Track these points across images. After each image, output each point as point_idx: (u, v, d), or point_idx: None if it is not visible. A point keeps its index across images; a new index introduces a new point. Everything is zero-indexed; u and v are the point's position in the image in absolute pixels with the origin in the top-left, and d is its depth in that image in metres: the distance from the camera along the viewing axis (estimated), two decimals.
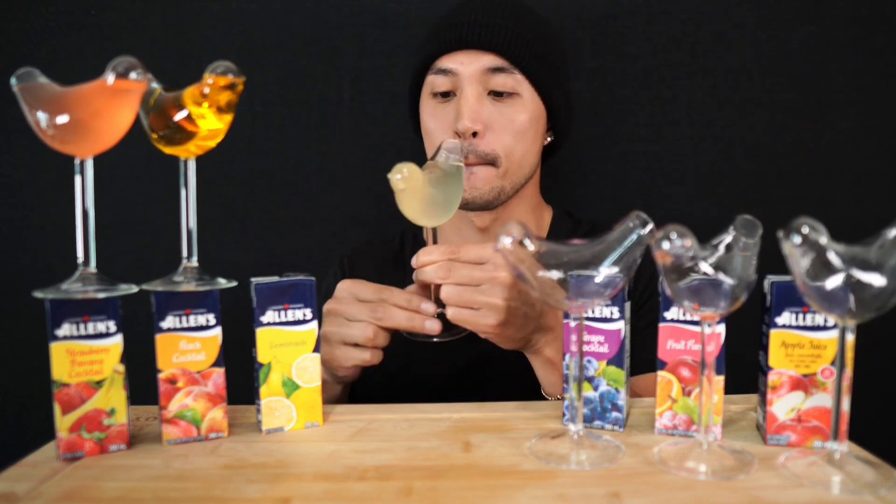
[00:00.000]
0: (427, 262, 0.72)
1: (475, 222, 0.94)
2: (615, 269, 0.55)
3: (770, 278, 0.61)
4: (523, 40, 0.87)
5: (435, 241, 0.78)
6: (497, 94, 0.87)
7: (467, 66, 0.86)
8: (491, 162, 0.87)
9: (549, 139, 0.96)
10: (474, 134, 0.86)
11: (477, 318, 0.71)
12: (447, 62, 0.88)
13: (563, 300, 0.56)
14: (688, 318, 0.62)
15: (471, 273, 0.71)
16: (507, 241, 0.54)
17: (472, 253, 0.72)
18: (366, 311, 0.74)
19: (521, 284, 0.67)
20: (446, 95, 0.89)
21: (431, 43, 0.89)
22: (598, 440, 0.61)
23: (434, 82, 0.89)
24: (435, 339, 0.75)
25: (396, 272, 0.97)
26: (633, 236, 0.55)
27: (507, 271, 0.70)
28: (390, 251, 1.03)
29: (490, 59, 0.86)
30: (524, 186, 0.93)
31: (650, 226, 0.55)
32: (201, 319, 0.62)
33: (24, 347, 1.18)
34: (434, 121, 0.90)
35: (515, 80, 0.87)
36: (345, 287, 0.76)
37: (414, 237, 1.03)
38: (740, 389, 0.72)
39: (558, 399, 0.78)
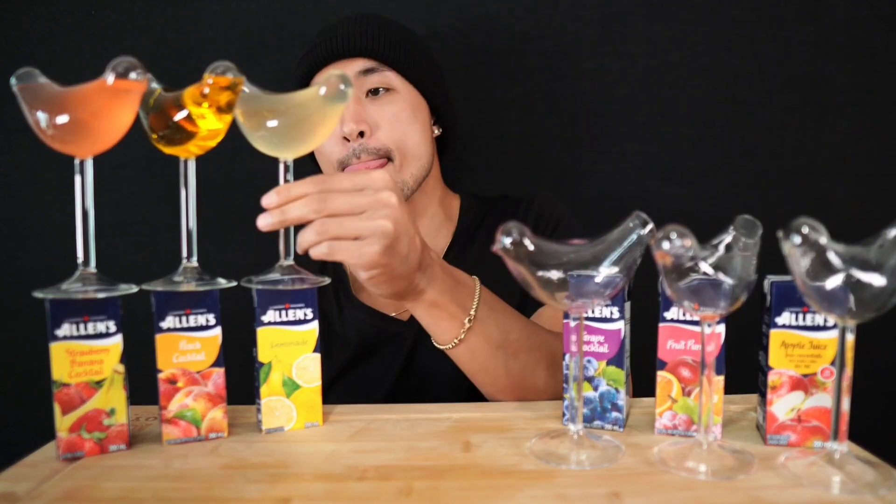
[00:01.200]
0: (295, 196, 0.60)
1: None
2: (615, 269, 0.55)
3: (770, 278, 0.61)
4: (388, 41, 0.91)
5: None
6: (374, 93, 0.91)
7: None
8: (384, 157, 0.89)
9: (436, 131, 0.99)
10: (361, 134, 0.88)
11: (361, 247, 0.60)
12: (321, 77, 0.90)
13: (564, 300, 0.56)
14: (688, 318, 0.62)
15: (350, 200, 0.61)
16: (507, 241, 0.54)
17: (345, 181, 0.62)
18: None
19: (406, 209, 0.61)
20: None
21: (307, 59, 0.93)
22: (598, 440, 0.61)
23: None
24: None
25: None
26: (633, 236, 0.55)
27: (394, 192, 0.62)
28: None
29: (360, 63, 0.90)
30: (425, 180, 0.95)
31: (650, 226, 0.55)
32: (201, 319, 0.62)
33: (24, 347, 1.18)
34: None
35: (387, 77, 0.91)
36: None
37: None
38: (740, 389, 0.72)
39: (454, 347, 0.72)
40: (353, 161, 0.88)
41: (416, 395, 0.89)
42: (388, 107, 0.90)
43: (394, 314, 0.93)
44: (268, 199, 0.60)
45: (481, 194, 1.07)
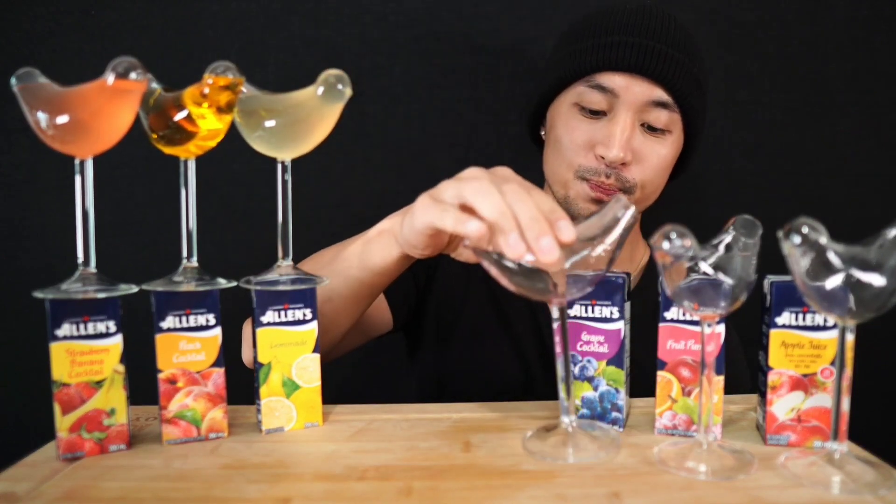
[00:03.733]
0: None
1: None
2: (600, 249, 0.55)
3: (770, 278, 0.61)
4: (691, 77, 0.82)
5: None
6: (650, 129, 0.83)
7: (631, 92, 0.81)
8: (626, 190, 0.84)
9: None
10: (620, 163, 0.82)
11: None
12: (608, 80, 0.82)
13: (548, 289, 0.55)
14: (688, 318, 0.62)
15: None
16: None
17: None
18: (489, 178, 0.57)
19: None
20: (595, 113, 0.83)
21: (593, 54, 0.82)
22: (594, 430, 0.61)
23: (586, 95, 0.83)
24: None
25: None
26: (618, 220, 0.55)
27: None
28: None
29: (656, 91, 0.81)
30: None
31: (632, 209, 0.55)
32: (201, 319, 0.62)
33: (24, 347, 1.18)
34: (573, 134, 0.84)
35: (672, 119, 0.83)
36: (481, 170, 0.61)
37: None
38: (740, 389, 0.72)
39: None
40: (600, 178, 0.82)
41: None
42: (659, 148, 0.83)
43: None
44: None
45: None
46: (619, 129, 0.81)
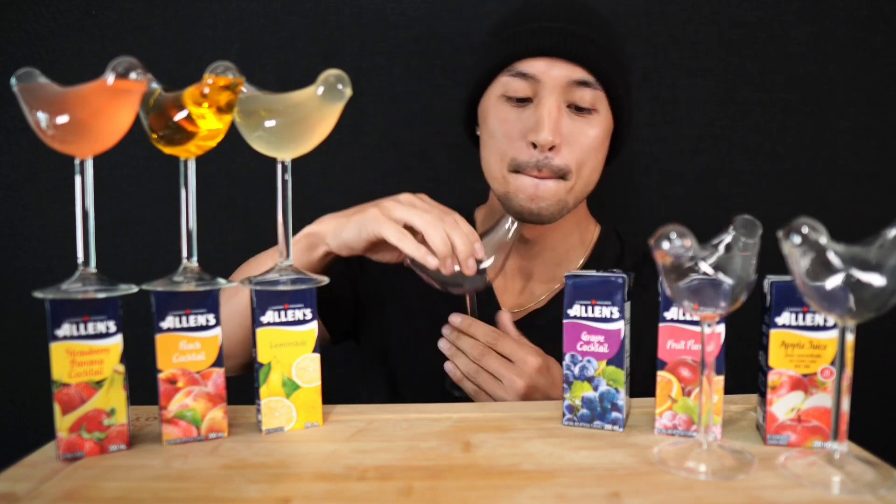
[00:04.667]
0: (468, 335, 0.80)
1: (524, 232, 0.91)
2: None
3: (770, 278, 0.61)
4: (610, 55, 0.84)
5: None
6: (577, 109, 0.84)
7: (551, 75, 0.82)
8: (561, 176, 0.84)
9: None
10: (551, 147, 0.83)
11: (496, 389, 0.78)
12: (529, 66, 0.83)
13: (461, 284, 0.76)
14: (688, 318, 0.62)
15: (499, 368, 0.77)
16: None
17: (507, 347, 0.78)
18: (435, 212, 0.76)
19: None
20: (521, 101, 0.85)
21: (512, 44, 0.84)
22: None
23: (510, 85, 0.85)
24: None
25: None
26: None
27: (535, 375, 0.77)
28: None
29: (577, 72, 0.82)
30: None
31: (515, 225, 0.81)
32: (201, 319, 0.62)
33: (24, 347, 1.18)
34: (504, 125, 0.86)
35: (596, 97, 0.84)
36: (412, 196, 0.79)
37: (467, 217, 1.01)
38: (740, 389, 0.72)
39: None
40: (532, 171, 0.83)
41: None
42: (587, 129, 0.84)
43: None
44: (454, 320, 0.82)
45: (623, 234, 1.02)
46: (546, 111, 0.82)
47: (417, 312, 0.94)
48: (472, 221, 1.00)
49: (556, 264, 0.96)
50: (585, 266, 0.97)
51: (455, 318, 0.81)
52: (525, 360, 0.77)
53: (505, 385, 0.77)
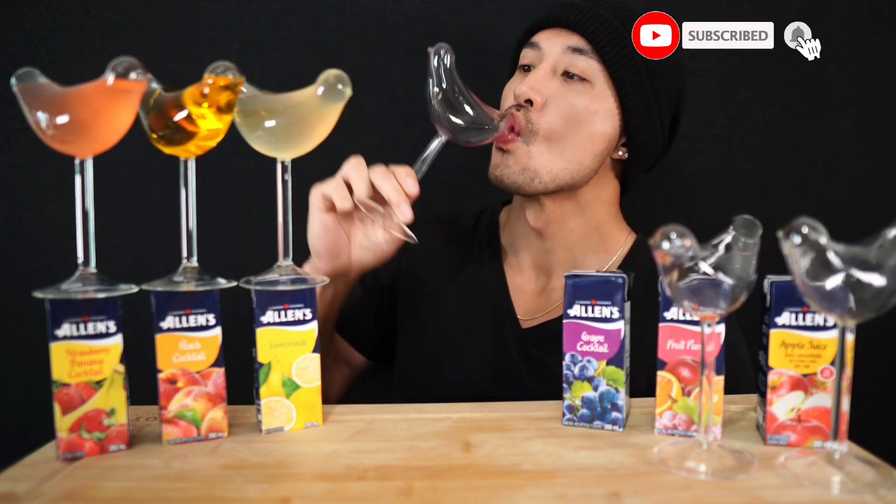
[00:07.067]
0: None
1: (529, 220, 0.91)
2: None
3: (770, 278, 0.61)
4: (610, 28, 0.84)
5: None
6: (569, 76, 0.85)
7: (550, 41, 0.87)
8: (530, 131, 0.83)
9: (621, 154, 0.89)
10: (530, 103, 0.83)
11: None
12: (537, 37, 0.89)
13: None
14: (688, 317, 0.62)
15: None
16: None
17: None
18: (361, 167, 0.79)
19: None
20: (528, 69, 0.89)
21: (530, 21, 0.91)
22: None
23: (523, 55, 0.91)
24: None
25: (462, 249, 0.98)
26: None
27: None
28: (461, 227, 1.01)
29: (572, 38, 0.85)
30: (578, 192, 0.87)
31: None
32: (201, 319, 0.62)
33: (24, 347, 1.18)
34: (507, 90, 0.91)
35: (591, 67, 0.84)
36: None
37: (491, 215, 1.01)
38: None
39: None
40: (511, 109, 0.83)
41: None
42: (573, 96, 0.83)
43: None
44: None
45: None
46: (533, 71, 0.87)
47: (453, 315, 0.94)
48: (497, 222, 1.01)
49: (572, 266, 0.94)
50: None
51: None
52: None
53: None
